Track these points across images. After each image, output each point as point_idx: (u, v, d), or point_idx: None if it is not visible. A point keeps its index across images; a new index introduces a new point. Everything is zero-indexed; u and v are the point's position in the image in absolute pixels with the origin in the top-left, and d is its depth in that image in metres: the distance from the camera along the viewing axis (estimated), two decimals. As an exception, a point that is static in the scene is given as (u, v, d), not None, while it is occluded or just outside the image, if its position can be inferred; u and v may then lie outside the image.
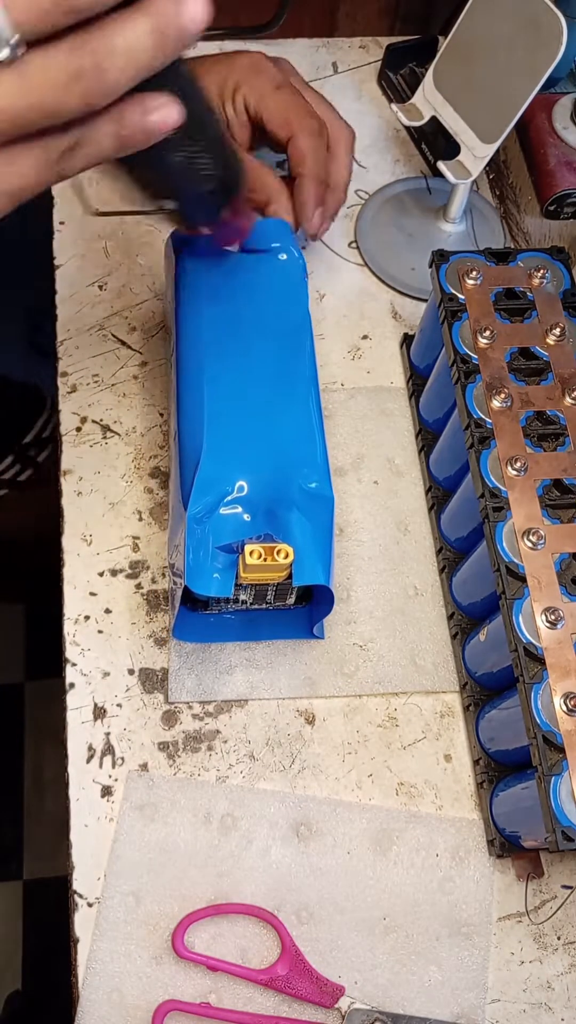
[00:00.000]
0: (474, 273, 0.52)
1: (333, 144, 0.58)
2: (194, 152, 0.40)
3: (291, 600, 0.51)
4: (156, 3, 0.30)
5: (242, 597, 0.50)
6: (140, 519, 0.56)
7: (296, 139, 0.56)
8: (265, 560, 0.44)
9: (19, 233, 0.57)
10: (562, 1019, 0.46)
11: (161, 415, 0.59)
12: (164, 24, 0.30)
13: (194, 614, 0.52)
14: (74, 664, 0.52)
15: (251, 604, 0.51)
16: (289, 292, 0.53)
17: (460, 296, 0.51)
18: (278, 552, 0.45)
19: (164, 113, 0.34)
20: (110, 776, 0.50)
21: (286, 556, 0.44)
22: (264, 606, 0.51)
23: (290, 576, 0.46)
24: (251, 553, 0.44)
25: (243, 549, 0.45)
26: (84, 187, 0.51)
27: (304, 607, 0.53)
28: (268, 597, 0.50)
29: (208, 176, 0.41)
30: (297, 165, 0.56)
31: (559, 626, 0.42)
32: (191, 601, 0.51)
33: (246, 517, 0.46)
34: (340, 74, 0.75)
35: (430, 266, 0.53)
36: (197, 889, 0.47)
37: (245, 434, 0.48)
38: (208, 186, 0.42)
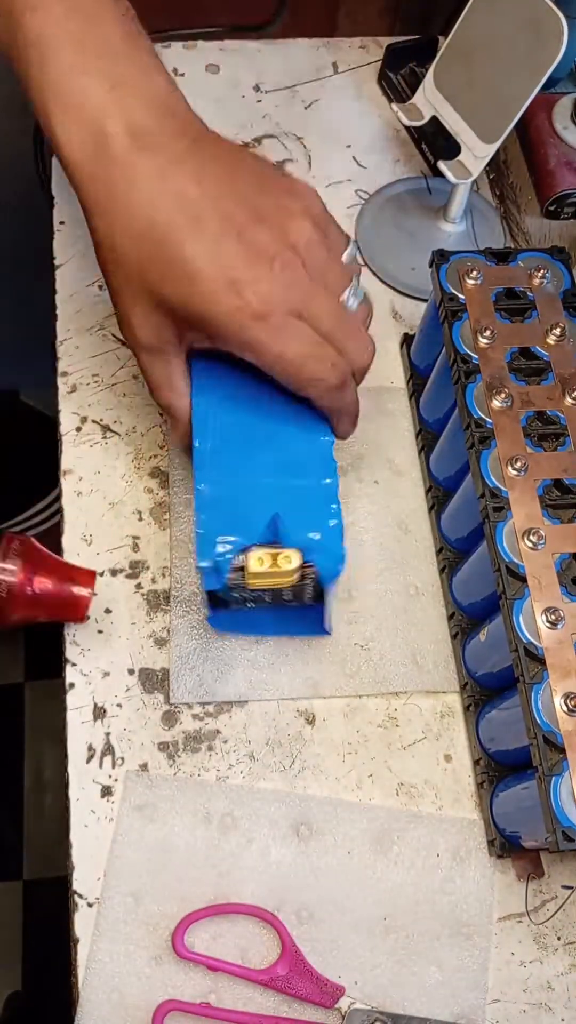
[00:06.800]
0: (474, 273, 0.52)
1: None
2: None
3: (309, 597, 0.50)
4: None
5: (261, 594, 0.49)
6: (140, 519, 0.56)
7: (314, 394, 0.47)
8: (271, 567, 0.44)
9: (18, 234, 0.57)
10: (562, 1019, 0.46)
11: (161, 415, 0.59)
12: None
13: (219, 609, 0.51)
14: (74, 664, 0.52)
15: (272, 601, 0.50)
16: None
17: (460, 296, 0.51)
18: (284, 558, 0.44)
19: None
20: (110, 776, 0.50)
21: (292, 562, 0.44)
22: (286, 602, 0.50)
23: (302, 579, 0.46)
24: (257, 560, 0.44)
25: (248, 555, 0.44)
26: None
27: (323, 604, 0.51)
28: (286, 596, 0.49)
29: None
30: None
31: (559, 626, 0.42)
32: (212, 598, 0.49)
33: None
34: (340, 74, 0.75)
35: (430, 266, 0.53)
36: (197, 889, 0.47)
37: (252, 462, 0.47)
38: None
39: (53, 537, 0.57)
